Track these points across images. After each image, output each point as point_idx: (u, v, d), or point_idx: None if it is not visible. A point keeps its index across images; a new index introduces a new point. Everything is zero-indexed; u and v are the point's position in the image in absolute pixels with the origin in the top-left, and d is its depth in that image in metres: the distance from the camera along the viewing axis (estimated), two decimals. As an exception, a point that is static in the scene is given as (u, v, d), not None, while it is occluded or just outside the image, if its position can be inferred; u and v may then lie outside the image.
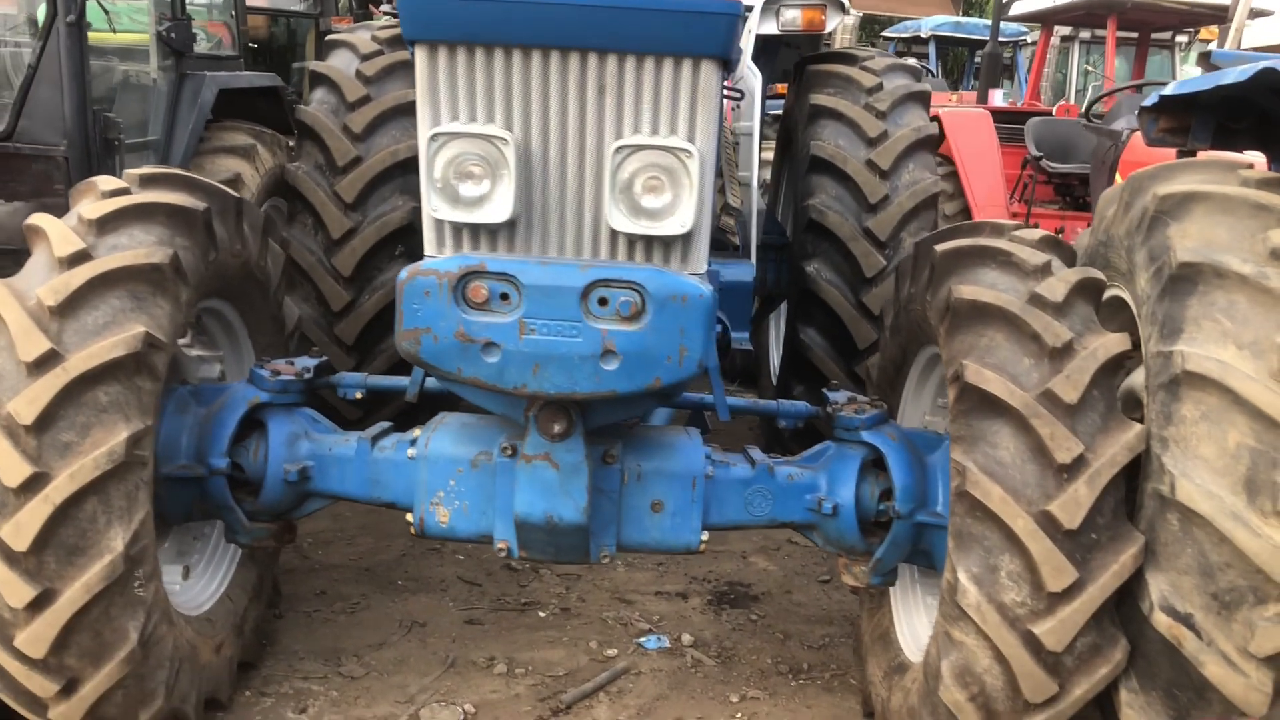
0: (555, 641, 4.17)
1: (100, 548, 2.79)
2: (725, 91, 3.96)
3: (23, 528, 2.72)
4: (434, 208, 2.85)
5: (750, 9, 5.83)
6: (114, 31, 4.74)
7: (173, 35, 4.88)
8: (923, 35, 16.58)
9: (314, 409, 3.56)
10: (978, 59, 15.83)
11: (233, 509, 3.40)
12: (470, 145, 2.81)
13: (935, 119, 7.51)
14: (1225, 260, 2.78)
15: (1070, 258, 3.24)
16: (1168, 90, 3.67)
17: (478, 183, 2.83)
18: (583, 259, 2.92)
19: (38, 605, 2.76)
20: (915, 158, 5.38)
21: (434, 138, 2.80)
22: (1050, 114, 8.35)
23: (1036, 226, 3.40)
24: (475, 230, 2.94)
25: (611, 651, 4.10)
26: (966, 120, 7.34)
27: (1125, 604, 2.83)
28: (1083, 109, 7.59)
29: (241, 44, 7.81)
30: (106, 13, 4.43)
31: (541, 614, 4.39)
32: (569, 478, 3.05)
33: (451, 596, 4.50)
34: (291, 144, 5.64)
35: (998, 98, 9.66)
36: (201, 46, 5.67)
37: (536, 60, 2.79)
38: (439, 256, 2.96)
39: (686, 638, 4.22)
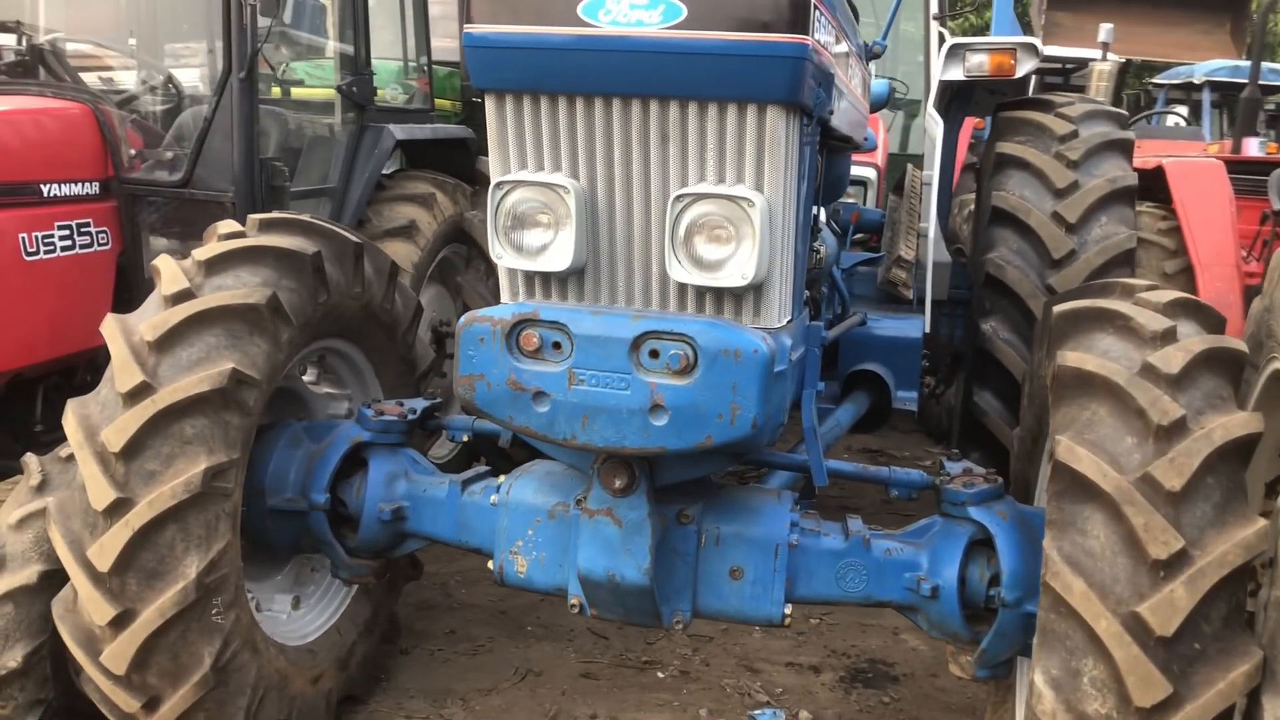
0: (665, 705, 4.03)
1: (176, 574, 2.91)
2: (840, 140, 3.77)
3: (106, 549, 2.87)
4: (498, 255, 2.83)
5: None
6: (282, 87, 5.08)
7: (354, 89, 5.17)
8: (1195, 81, 15.38)
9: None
10: (1270, 105, 14.49)
11: (332, 544, 3.49)
12: (533, 193, 2.78)
13: (1159, 169, 6.93)
14: (1376, 333, 2.36)
15: (1215, 324, 2.86)
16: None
17: (540, 231, 2.80)
18: (635, 309, 2.82)
19: (119, 624, 2.91)
20: (1109, 210, 4.94)
21: (498, 185, 2.80)
22: (1303, 164, 7.50)
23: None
24: (542, 279, 2.91)
25: (720, 721, 3.93)
26: (1193, 170, 6.66)
27: (1247, 729, 2.43)
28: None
29: (465, 98, 8.24)
30: (273, 69, 4.75)
31: (660, 674, 4.26)
32: (631, 536, 2.93)
33: (576, 647, 4.45)
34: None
35: (1254, 147, 8.78)
36: (398, 100, 5.99)
37: (599, 108, 2.73)
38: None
39: (804, 715, 3.98)
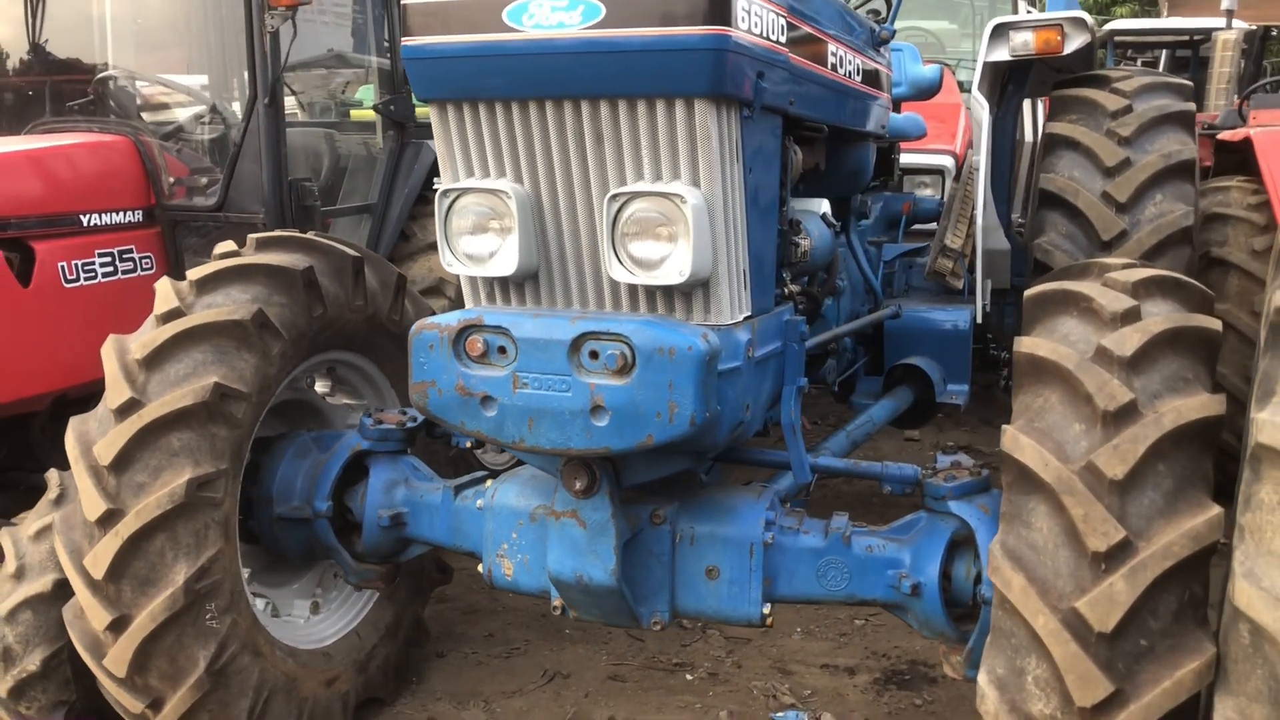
0: (687, 707, 4.00)
1: (166, 580, 3.04)
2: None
3: (99, 558, 3.02)
4: (449, 263, 2.87)
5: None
6: (340, 109, 5.24)
7: (392, 108, 5.30)
8: (1336, 44, 14.42)
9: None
10: None
11: (338, 549, 3.58)
12: (477, 200, 2.81)
13: (1247, 140, 6.53)
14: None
15: (1199, 302, 2.69)
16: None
17: (487, 237, 2.83)
18: (576, 311, 2.82)
19: (116, 628, 3.05)
20: (1164, 187, 4.69)
21: (444, 194, 2.84)
22: None
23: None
24: (499, 284, 2.94)
25: (740, 724, 3.87)
26: (1281, 141, 6.25)
27: (1211, 731, 2.28)
28: None
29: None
30: (295, 93, 4.91)
31: (689, 676, 4.23)
32: (596, 537, 2.93)
33: (609, 650, 4.45)
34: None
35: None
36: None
37: (533, 112, 2.74)
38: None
39: (827, 717, 3.89)
